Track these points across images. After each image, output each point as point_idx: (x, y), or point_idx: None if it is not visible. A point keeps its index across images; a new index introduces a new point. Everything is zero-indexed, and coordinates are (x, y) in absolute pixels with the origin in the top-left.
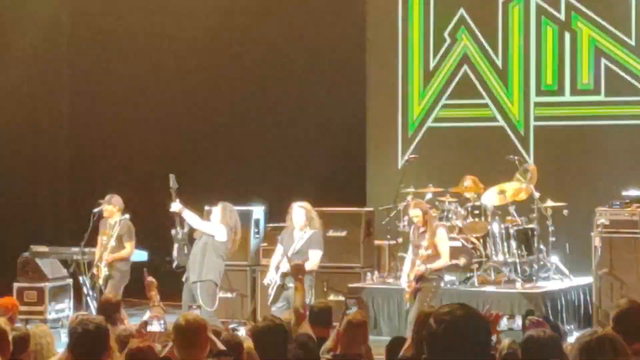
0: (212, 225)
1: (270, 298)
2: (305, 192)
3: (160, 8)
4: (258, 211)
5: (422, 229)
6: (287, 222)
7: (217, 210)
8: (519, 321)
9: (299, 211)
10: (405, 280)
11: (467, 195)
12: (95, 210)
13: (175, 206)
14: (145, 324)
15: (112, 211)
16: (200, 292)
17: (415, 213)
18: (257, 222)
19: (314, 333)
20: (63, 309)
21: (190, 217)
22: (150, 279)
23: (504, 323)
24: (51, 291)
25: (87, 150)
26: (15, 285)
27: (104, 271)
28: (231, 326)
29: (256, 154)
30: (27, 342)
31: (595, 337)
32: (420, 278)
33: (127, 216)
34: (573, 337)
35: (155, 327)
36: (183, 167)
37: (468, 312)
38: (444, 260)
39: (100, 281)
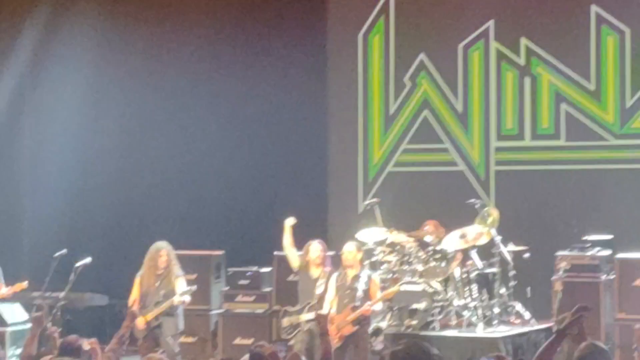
0: None
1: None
2: (267, 237)
3: None
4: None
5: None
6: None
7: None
8: None
9: None
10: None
11: (428, 239)
12: (56, 255)
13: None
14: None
15: None
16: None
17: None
18: (217, 266)
19: None
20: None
21: None
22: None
23: None
24: (12, 335)
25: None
26: None
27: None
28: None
29: (218, 201)
30: None
31: None
32: (359, 321)
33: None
34: None
35: None
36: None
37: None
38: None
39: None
